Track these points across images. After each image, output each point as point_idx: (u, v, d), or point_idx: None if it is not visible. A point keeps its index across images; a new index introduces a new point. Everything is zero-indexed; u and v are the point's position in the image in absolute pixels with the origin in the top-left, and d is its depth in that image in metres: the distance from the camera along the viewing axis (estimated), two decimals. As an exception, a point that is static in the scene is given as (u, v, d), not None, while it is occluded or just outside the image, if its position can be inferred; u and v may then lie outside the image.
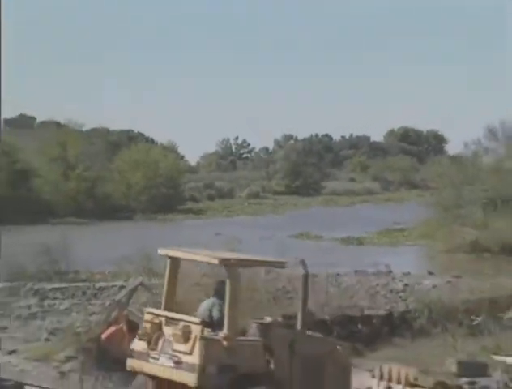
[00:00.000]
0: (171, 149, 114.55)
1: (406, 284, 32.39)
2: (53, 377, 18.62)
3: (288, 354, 14.27)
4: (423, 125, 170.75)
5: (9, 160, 77.05)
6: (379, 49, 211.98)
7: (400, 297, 29.04)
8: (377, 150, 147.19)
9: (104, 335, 19.96)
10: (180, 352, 13.48)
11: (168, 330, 13.76)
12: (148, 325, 13.99)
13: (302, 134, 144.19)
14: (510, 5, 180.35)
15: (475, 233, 51.17)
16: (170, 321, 13.85)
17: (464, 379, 19.43)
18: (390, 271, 37.03)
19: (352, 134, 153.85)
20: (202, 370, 13.26)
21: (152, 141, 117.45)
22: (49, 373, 19.00)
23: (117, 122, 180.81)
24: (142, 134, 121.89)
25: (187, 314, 15.48)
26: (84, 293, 29.23)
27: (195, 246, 28.18)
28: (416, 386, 13.58)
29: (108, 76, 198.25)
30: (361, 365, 22.22)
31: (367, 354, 23.41)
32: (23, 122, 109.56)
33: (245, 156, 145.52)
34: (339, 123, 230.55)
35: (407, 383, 13.52)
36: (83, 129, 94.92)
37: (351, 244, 56.59)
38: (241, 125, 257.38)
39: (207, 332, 13.84)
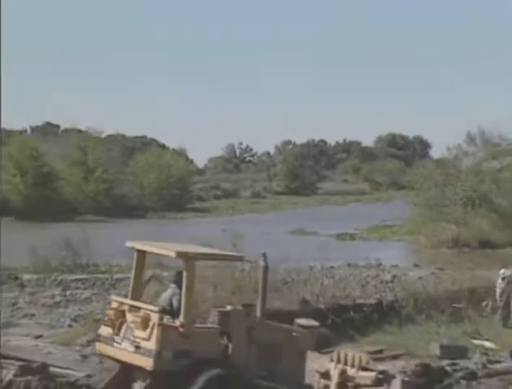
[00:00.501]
0: (181, 153, 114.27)
1: (394, 276, 32.37)
2: (75, 359, 18.68)
3: (245, 340, 14.24)
4: (409, 131, 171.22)
5: (36, 163, 77.35)
6: (370, 64, 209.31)
7: (389, 287, 29.00)
8: (367, 154, 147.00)
9: (122, 320, 20.05)
10: (139, 337, 13.45)
11: (130, 317, 13.73)
12: (113, 312, 13.98)
13: (300, 139, 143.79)
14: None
15: (456, 230, 51.20)
16: (132, 309, 13.79)
17: (446, 361, 19.54)
18: (380, 264, 36.99)
19: (345, 140, 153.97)
20: (158, 355, 13.24)
21: (164, 146, 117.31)
22: (72, 356, 19.07)
23: (132, 129, 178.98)
24: (155, 140, 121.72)
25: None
26: (103, 284, 29.29)
27: (203, 242, 28.53)
28: (366, 369, 13.60)
29: (122, 85, 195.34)
30: (352, 348, 22.44)
31: (359, 339, 23.44)
32: (48, 130, 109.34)
33: (248, 159, 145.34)
34: (334, 129, 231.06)
35: (360, 367, 13.54)
36: (102, 135, 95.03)
37: (344, 239, 56.56)
38: (244, 131, 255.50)
39: (167, 320, 13.78)
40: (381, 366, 19.80)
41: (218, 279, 24.71)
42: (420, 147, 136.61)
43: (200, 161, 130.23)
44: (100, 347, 14.48)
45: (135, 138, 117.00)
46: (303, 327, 22.28)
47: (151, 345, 13.25)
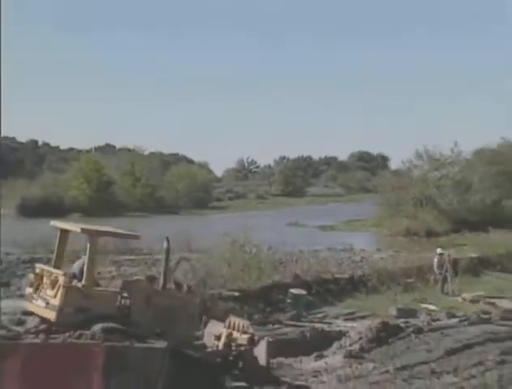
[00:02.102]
0: (204, 166, 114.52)
1: (362, 257, 32.46)
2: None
3: (143, 304, 13.76)
4: (374, 149, 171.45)
5: (98, 174, 77.60)
6: (347, 97, 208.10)
7: (358, 265, 29.03)
8: (342, 166, 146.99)
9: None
10: (49, 296, 13.03)
11: (45, 280, 13.36)
12: (34, 276, 13.68)
13: (292, 155, 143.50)
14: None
15: (408, 223, 51.13)
16: (47, 273, 13.42)
17: (401, 320, 19.56)
18: (352, 248, 37.06)
19: (326, 156, 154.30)
20: (60, 310, 12.79)
21: (191, 161, 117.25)
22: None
23: (167, 147, 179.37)
24: (184, 156, 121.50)
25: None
26: (146, 263, 29.19)
27: (221, 232, 28.61)
28: (246, 332, 13.51)
29: (158, 112, 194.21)
30: (331, 311, 22.42)
31: (336, 304, 23.48)
32: (107, 149, 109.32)
33: (253, 170, 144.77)
34: (318, 148, 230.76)
35: (242, 331, 13.43)
36: (145, 153, 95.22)
37: (325, 230, 56.30)
38: (251, 149, 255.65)
39: (73, 282, 13.34)
40: (352, 324, 19.96)
41: (232, 259, 24.67)
42: (382, 160, 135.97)
43: (218, 171, 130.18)
44: (24, 303, 14.02)
45: (170, 155, 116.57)
46: (294, 295, 22.36)
47: (56, 302, 12.86)
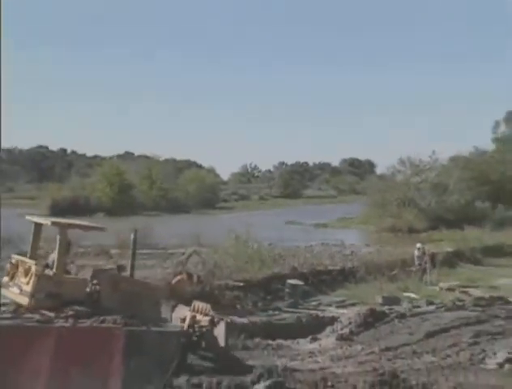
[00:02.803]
0: (212, 170, 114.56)
1: (352, 251, 32.34)
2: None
3: (111, 290, 13.47)
4: (362, 155, 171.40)
5: (119, 178, 77.53)
6: (339, 113, 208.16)
7: (349, 258, 28.96)
8: (335, 171, 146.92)
9: (173, 281, 19.92)
10: (23, 283, 12.85)
11: (20, 269, 13.16)
12: (10, 265, 13.43)
13: (290, 161, 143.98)
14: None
15: (392, 221, 51.14)
16: (22, 263, 13.20)
17: (386, 307, 19.54)
18: (343, 243, 36.97)
19: (320, 162, 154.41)
20: (32, 296, 12.55)
21: (201, 166, 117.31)
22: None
23: (179, 154, 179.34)
24: (194, 162, 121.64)
25: None
26: (161, 256, 29.20)
27: (227, 228, 28.66)
28: (207, 315, 13.44)
29: (171, 123, 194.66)
30: (325, 299, 22.38)
31: (329, 292, 23.44)
32: (127, 156, 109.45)
33: (256, 174, 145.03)
34: (313, 154, 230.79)
35: (204, 313, 13.35)
36: (160, 159, 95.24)
37: (319, 227, 56.22)
38: (254, 155, 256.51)
39: (45, 271, 13.05)
40: (342, 310, 19.98)
41: (237, 253, 24.67)
42: (369, 166, 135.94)
43: (224, 176, 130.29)
44: (2, 291, 13.62)
45: (182, 161, 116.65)
46: (292, 285, 22.34)
47: (28, 288, 12.65)
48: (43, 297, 12.73)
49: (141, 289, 14.28)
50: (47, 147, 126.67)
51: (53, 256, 13.70)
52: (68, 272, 14.00)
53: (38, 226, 14.23)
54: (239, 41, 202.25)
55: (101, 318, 10.57)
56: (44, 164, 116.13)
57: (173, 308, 15.86)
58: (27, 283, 12.85)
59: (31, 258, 13.75)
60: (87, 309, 12.74)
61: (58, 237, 13.42)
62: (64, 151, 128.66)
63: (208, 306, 13.92)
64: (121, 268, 15.19)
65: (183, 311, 14.59)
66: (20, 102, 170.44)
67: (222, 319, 13.91)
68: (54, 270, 13.14)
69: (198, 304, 14.36)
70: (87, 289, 13.59)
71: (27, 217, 14.74)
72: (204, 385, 10.34)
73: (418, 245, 27.75)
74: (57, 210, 65.75)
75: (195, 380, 10.65)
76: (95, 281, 13.71)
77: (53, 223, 13.92)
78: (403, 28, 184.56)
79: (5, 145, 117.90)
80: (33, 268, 12.96)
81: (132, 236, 14.58)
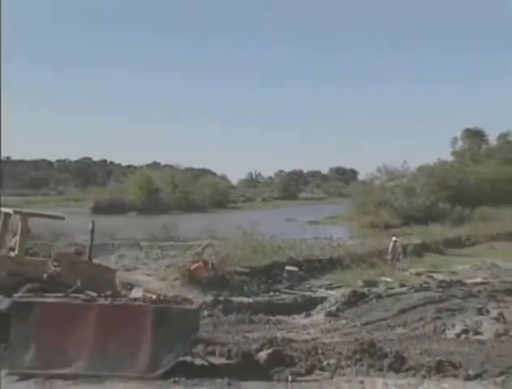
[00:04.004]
0: (223, 177, 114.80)
1: (338, 244, 32.18)
2: (167, 287, 18.68)
3: (70, 271, 13.31)
4: (347, 164, 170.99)
5: (148, 184, 77.74)
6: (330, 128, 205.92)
7: (336, 249, 28.89)
8: (324, 178, 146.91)
9: (192, 267, 19.95)
10: None
11: None
12: None
13: (288, 169, 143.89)
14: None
15: (371, 218, 51.07)
16: None
17: (366, 289, 19.51)
18: (331, 237, 36.87)
19: (312, 170, 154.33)
20: None
21: (214, 173, 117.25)
22: (166, 285, 19.07)
23: (197, 163, 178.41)
24: (209, 170, 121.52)
25: None
26: (182, 247, 29.22)
27: (236, 224, 28.68)
28: (159, 295, 13.22)
29: (190, 135, 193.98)
30: (316, 282, 22.34)
31: (320, 277, 23.36)
32: (154, 165, 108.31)
33: (259, 180, 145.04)
34: (306, 163, 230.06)
35: (154, 293, 13.10)
36: (181, 167, 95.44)
37: (312, 224, 56.07)
38: (258, 164, 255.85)
39: (9, 253, 13.06)
40: (331, 292, 19.95)
41: (244, 245, 24.68)
42: (352, 174, 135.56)
43: (234, 181, 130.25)
44: None
45: (199, 169, 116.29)
46: (289, 271, 22.33)
47: None
48: (5, 276, 12.63)
49: (96, 271, 14.07)
50: (90, 158, 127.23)
51: (15, 240, 13.43)
52: (30, 254, 13.90)
53: (7, 216, 13.85)
54: (237, 64, 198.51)
55: (134, 298, 10.42)
56: (89, 173, 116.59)
57: (131, 289, 15.57)
58: None
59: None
60: (42, 286, 12.48)
61: (20, 225, 13.16)
62: (104, 161, 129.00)
63: (159, 288, 13.51)
64: (78, 253, 15.04)
65: (138, 292, 14.48)
66: (71, 121, 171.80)
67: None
68: (16, 252, 12.99)
69: (149, 287, 14.18)
70: (50, 270, 13.35)
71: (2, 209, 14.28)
72: (217, 352, 10.32)
73: (393, 238, 27.70)
74: (98, 210, 66.10)
75: (210, 347, 10.66)
76: (56, 263, 13.54)
77: (15, 212, 13.71)
78: (383, 48, 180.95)
79: (58, 157, 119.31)
80: None
81: (90, 225, 14.23)
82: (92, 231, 14.18)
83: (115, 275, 15.09)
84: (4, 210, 14.01)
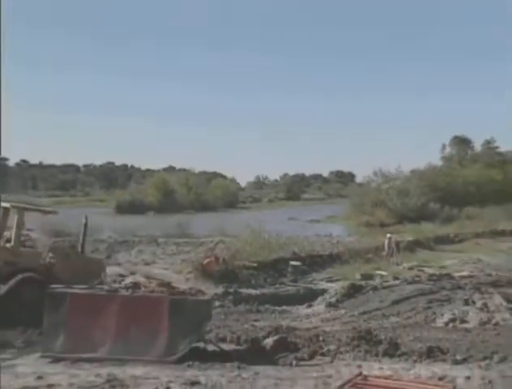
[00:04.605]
0: (233, 180, 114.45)
1: (338, 241, 32.18)
2: (182, 280, 18.69)
3: (63, 260, 13.22)
4: (345, 168, 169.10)
5: (164, 186, 77.46)
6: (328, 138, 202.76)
7: (336, 246, 28.81)
8: (325, 180, 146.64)
9: (204, 262, 19.95)
10: None
11: None
12: None
13: (291, 172, 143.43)
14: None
15: (368, 217, 50.93)
16: None
17: (363, 281, 19.48)
18: (331, 235, 36.88)
19: (314, 173, 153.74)
20: None
21: (225, 176, 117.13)
22: (181, 278, 19.07)
23: (209, 167, 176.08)
24: (220, 173, 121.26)
25: None
26: (195, 244, 29.15)
27: (245, 223, 28.69)
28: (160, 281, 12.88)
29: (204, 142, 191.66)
30: (317, 276, 22.31)
31: (321, 271, 23.25)
32: (170, 169, 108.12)
33: (266, 182, 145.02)
34: (308, 167, 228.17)
35: (156, 280, 12.68)
36: (195, 171, 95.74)
37: (313, 222, 55.96)
38: (264, 168, 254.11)
39: (5, 245, 12.88)
40: (331, 284, 19.90)
41: (252, 241, 24.67)
42: (350, 176, 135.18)
43: (242, 183, 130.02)
44: None
45: (211, 172, 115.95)
46: (293, 265, 22.32)
47: None
48: (1, 265, 12.49)
49: (87, 262, 13.96)
50: (113, 163, 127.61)
51: (11, 232, 13.27)
52: (25, 245, 13.73)
53: (6, 210, 13.65)
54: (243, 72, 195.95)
55: (152, 290, 10.50)
56: (112, 176, 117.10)
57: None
58: None
59: None
60: (35, 276, 12.46)
61: (16, 218, 13.05)
62: (125, 165, 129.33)
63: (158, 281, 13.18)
64: (72, 246, 14.92)
65: (135, 278, 14.32)
66: (95, 127, 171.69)
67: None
68: (11, 243, 12.90)
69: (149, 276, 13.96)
70: (46, 261, 13.20)
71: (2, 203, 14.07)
72: (228, 338, 10.36)
73: (388, 235, 27.62)
74: (120, 209, 66.51)
75: (221, 334, 10.70)
76: (50, 255, 13.44)
77: (12, 206, 13.55)
78: (380, 58, 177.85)
79: (84, 162, 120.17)
80: None
81: (83, 220, 13.97)
82: (86, 225, 13.90)
83: (105, 267, 14.96)
84: (3, 204, 13.78)
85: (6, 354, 9.65)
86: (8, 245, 12.99)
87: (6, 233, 13.44)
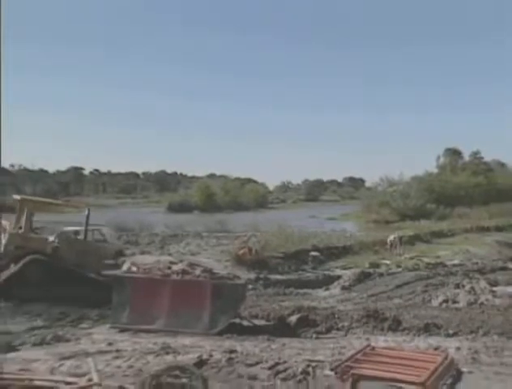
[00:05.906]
0: (263, 184, 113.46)
1: (350, 235, 31.76)
2: (221, 267, 18.54)
3: (68, 247, 13.11)
4: (357, 174, 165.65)
5: (207, 190, 77.19)
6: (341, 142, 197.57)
7: (348, 239, 28.45)
8: (340, 185, 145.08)
9: (239, 253, 19.97)
10: (3, 239, 12.57)
11: (2, 229, 12.72)
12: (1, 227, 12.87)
13: (312, 178, 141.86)
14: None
15: (375, 216, 50.37)
16: (1, 227, 12.69)
17: (371, 269, 19.24)
18: (344, 230, 36.26)
19: (330, 179, 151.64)
20: (5, 247, 12.39)
21: (256, 182, 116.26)
22: (220, 265, 18.91)
23: (243, 173, 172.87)
24: (252, 179, 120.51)
25: None
26: (232, 237, 28.84)
27: (272, 220, 28.62)
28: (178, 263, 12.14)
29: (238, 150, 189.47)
30: (333, 264, 22.03)
31: (336, 260, 22.77)
32: (212, 176, 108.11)
33: (290, 186, 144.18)
34: (326, 174, 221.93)
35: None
36: (231, 178, 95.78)
37: (330, 220, 55.29)
38: (289, 175, 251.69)
39: (17, 230, 12.75)
40: (344, 271, 19.64)
41: (279, 235, 24.58)
42: (361, 182, 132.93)
43: (271, 187, 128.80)
44: None
45: (245, 178, 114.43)
46: (313, 255, 22.08)
47: (3, 241, 12.52)
48: (13, 249, 12.56)
49: (89, 248, 13.70)
50: (165, 171, 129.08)
51: (23, 220, 13.14)
52: (34, 232, 13.44)
53: (21, 202, 13.39)
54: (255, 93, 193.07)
55: (198, 275, 10.49)
56: (164, 181, 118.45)
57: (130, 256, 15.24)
58: (2, 239, 12.70)
59: (15, 227, 13.10)
60: (42, 257, 12.39)
61: (25, 210, 12.92)
62: (175, 173, 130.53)
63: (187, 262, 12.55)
64: (76, 233, 14.63)
65: (146, 259, 14.14)
66: (151, 140, 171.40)
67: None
68: (22, 230, 12.85)
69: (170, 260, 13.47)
70: (53, 246, 13.05)
71: (14, 196, 14.04)
72: (259, 315, 10.39)
73: (392, 236, 26.39)
74: (171, 209, 67.13)
75: (253, 312, 10.73)
76: (57, 240, 13.32)
77: (22, 198, 13.44)
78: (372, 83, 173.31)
79: (143, 170, 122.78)
80: (8, 228, 12.80)
81: (86, 212, 13.67)
82: (87, 217, 13.57)
83: (119, 251, 14.79)
84: (15, 197, 13.81)
85: (84, 324, 9.95)
86: (20, 231, 12.96)
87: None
